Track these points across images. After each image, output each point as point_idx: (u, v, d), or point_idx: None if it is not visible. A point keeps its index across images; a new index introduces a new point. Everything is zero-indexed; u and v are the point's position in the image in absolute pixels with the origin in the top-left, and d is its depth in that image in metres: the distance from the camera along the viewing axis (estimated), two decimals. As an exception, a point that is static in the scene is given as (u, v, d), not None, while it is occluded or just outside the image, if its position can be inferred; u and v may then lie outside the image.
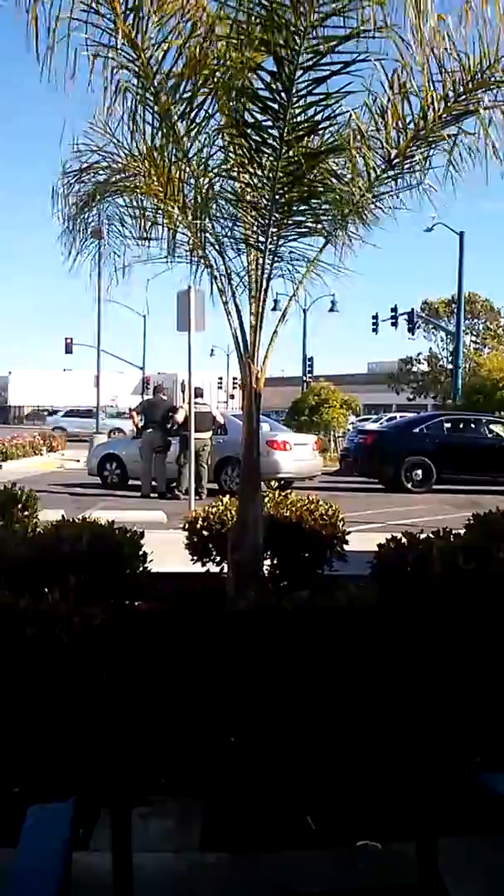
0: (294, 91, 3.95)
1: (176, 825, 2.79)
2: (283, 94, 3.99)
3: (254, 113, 4.23)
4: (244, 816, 2.80)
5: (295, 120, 4.12)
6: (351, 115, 4.27)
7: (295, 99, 4.00)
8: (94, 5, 3.78)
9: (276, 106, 4.06)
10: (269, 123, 4.18)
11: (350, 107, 4.23)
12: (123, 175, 4.90)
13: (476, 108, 4.18)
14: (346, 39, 3.75)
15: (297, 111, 4.09)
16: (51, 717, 3.05)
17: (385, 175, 4.60)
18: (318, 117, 4.19)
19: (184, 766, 3.07)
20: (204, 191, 4.62)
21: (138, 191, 4.96)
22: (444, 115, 4.30)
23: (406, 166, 4.55)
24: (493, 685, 3.28)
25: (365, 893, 2.50)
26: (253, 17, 3.87)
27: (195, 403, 13.10)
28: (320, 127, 4.29)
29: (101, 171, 4.95)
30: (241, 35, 3.92)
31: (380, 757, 3.00)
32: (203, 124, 4.37)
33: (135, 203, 5.08)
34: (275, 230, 4.64)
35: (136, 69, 4.10)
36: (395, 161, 4.52)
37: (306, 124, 4.23)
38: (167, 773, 3.03)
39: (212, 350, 51.68)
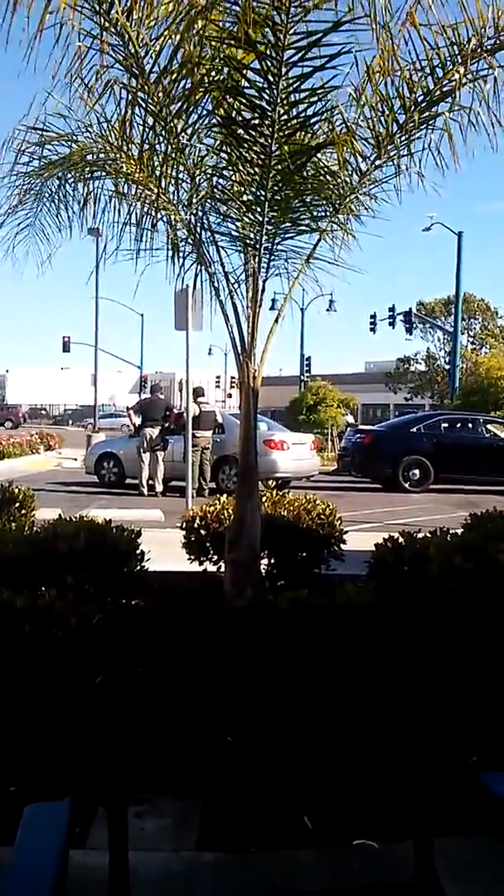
0: (281, 88, 3.94)
1: (173, 824, 2.79)
2: (270, 92, 3.98)
3: (243, 112, 4.23)
4: (241, 815, 2.80)
5: (283, 117, 4.12)
6: (338, 109, 4.28)
7: (283, 96, 3.99)
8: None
9: (263, 103, 4.06)
10: (258, 121, 4.18)
11: (338, 100, 4.25)
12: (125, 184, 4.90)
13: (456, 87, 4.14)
14: (326, 33, 3.74)
15: (286, 108, 4.09)
16: (48, 715, 3.05)
17: (375, 163, 4.59)
18: (307, 112, 4.18)
19: (181, 764, 3.07)
20: (197, 189, 4.62)
21: (133, 196, 4.96)
22: (426, 99, 4.27)
23: (392, 152, 4.52)
24: (490, 684, 3.28)
25: (362, 893, 2.50)
26: (236, 15, 3.87)
27: (199, 402, 13.64)
28: (310, 123, 4.29)
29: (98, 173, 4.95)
30: (225, 34, 3.93)
31: (377, 756, 3.00)
32: (197, 123, 4.36)
33: (130, 196, 5.05)
34: (269, 228, 4.64)
35: (130, 67, 4.10)
36: (384, 146, 4.50)
37: (295, 121, 4.22)
38: (164, 772, 3.03)
39: (209, 349, 51.84)
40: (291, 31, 3.74)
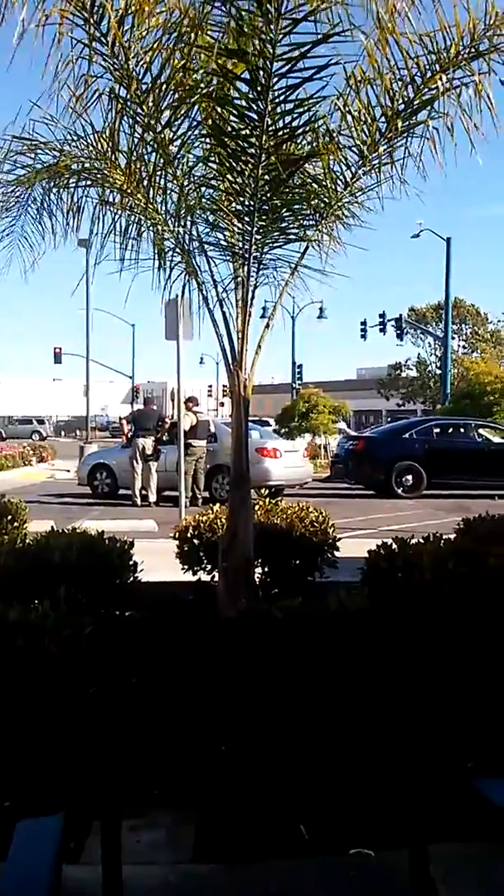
0: (270, 99, 3.97)
1: (168, 837, 2.77)
2: (259, 103, 4.01)
3: (232, 122, 4.25)
4: (236, 826, 2.79)
5: (272, 128, 4.14)
6: (324, 120, 4.32)
7: (271, 107, 4.01)
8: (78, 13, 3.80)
9: (253, 114, 4.08)
10: (248, 131, 4.19)
11: (324, 110, 4.30)
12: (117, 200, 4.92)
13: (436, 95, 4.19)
14: (315, 44, 3.77)
15: (275, 119, 4.11)
16: (41, 729, 3.03)
17: (360, 171, 4.63)
18: (295, 123, 4.21)
19: (176, 776, 3.05)
20: (186, 199, 4.64)
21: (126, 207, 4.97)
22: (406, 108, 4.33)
23: (376, 161, 4.56)
24: (484, 690, 3.28)
25: (359, 902, 2.49)
26: (226, 26, 3.90)
27: (195, 412, 13.68)
28: (298, 133, 4.31)
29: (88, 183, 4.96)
30: (214, 47, 3.96)
31: (372, 764, 3.00)
32: (186, 133, 4.38)
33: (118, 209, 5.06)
34: (258, 237, 4.65)
35: (120, 77, 4.12)
36: (370, 156, 4.54)
37: (284, 131, 4.24)
38: (159, 785, 3.01)
39: (201, 358, 51.87)
40: (281, 43, 3.76)
